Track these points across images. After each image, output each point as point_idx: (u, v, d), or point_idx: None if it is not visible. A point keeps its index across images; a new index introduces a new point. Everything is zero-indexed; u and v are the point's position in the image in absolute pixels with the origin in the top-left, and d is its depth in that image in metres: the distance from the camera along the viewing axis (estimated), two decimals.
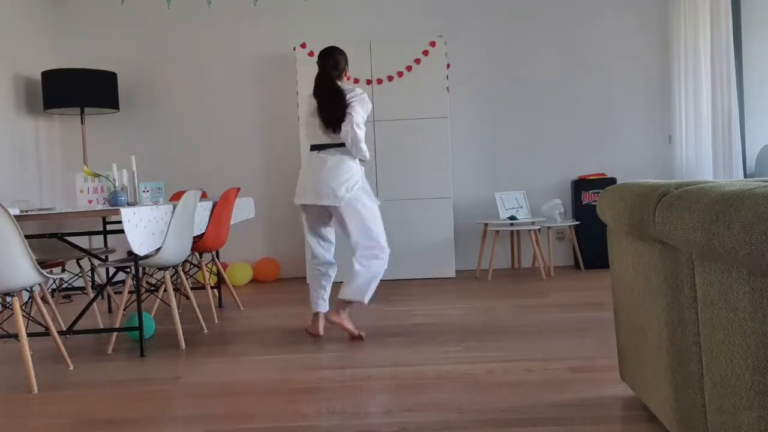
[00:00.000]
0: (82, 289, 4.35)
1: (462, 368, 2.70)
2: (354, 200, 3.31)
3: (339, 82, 3.39)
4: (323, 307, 3.47)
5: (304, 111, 3.54)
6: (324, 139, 3.36)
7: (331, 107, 3.29)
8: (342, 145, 3.34)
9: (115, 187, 3.43)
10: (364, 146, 3.34)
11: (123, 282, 3.96)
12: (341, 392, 2.45)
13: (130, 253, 3.23)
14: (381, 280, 5.18)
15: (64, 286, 4.55)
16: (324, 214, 3.44)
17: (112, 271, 5.40)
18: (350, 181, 3.32)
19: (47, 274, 2.75)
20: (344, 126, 3.28)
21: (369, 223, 3.34)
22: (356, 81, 5.29)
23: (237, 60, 5.79)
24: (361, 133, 3.31)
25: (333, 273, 3.55)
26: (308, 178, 3.35)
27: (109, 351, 3.29)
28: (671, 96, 5.55)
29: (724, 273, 1.29)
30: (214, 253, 4.57)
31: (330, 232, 3.53)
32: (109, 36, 5.81)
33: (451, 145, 5.40)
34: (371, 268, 3.33)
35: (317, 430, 2.07)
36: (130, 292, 3.44)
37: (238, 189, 4.22)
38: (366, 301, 3.36)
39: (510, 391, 2.37)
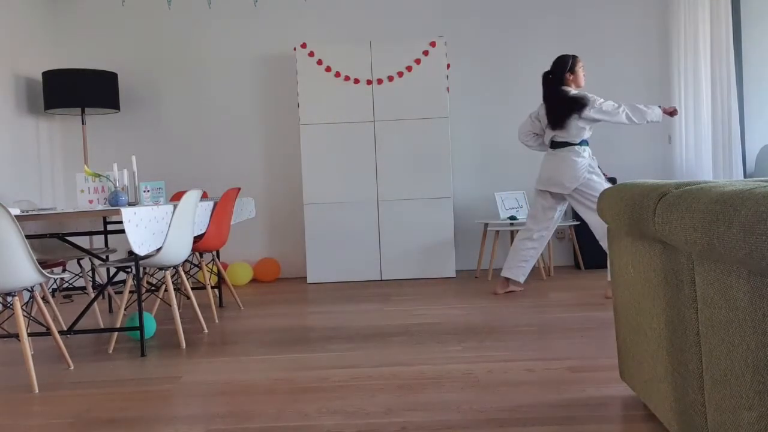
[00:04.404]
0: (83, 288, 4.36)
1: (462, 368, 2.70)
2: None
3: (564, 87, 4.20)
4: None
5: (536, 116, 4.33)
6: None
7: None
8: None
9: (115, 187, 3.43)
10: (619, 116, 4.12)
11: (124, 282, 3.97)
12: (341, 392, 2.46)
13: (131, 253, 3.24)
14: (380, 280, 5.32)
15: (64, 286, 4.56)
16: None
17: (112, 270, 5.41)
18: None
19: (48, 274, 2.76)
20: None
21: None
22: (356, 81, 5.30)
23: (237, 60, 5.80)
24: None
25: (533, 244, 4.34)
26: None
27: (110, 351, 3.30)
28: (671, 96, 5.56)
29: (723, 272, 1.30)
30: (214, 252, 4.57)
31: None
32: (109, 36, 5.81)
33: (451, 145, 5.40)
34: None
35: (317, 430, 2.08)
36: (130, 291, 3.44)
37: (239, 189, 4.23)
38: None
39: (510, 391, 2.37)
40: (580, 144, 4.18)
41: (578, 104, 4.08)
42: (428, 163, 5.31)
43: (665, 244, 1.63)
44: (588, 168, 4.14)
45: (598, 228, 4.11)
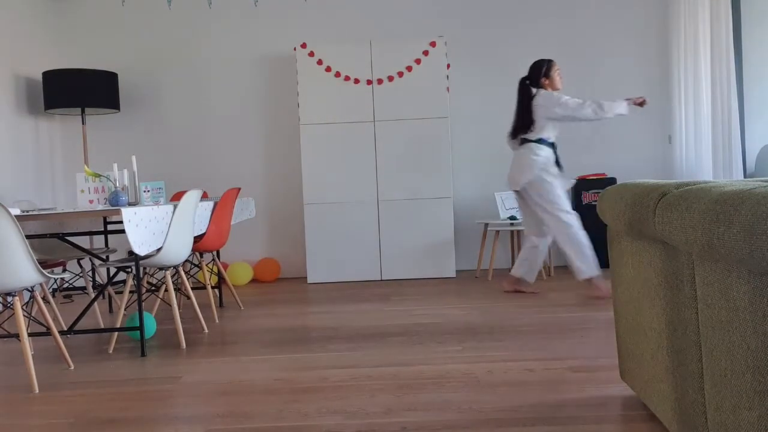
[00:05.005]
0: (83, 288, 4.36)
1: (462, 368, 2.70)
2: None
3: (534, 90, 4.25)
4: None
5: None
6: None
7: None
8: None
9: (115, 187, 3.43)
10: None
11: (124, 282, 3.97)
12: (341, 392, 2.46)
13: (131, 252, 3.24)
14: (380, 280, 5.30)
15: (65, 286, 4.56)
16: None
17: (113, 270, 5.41)
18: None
19: (48, 274, 2.76)
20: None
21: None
22: (356, 81, 5.30)
23: (237, 60, 5.80)
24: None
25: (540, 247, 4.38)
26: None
27: (110, 351, 3.30)
28: (671, 96, 5.56)
29: (724, 273, 1.30)
30: (214, 252, 4.57)
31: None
32: (110, 36, 5.81)
33: (451, 145, 5.40)
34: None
35: (317, 430, 2.08)
36: (130, 291, 3.44)
37: (239, 189, 4.23)
38: None
39: (510, 391, 2.38)
40: (538, 141, 4.23)
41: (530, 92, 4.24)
42: (428, 163, 5.31)
43: (665, 244, 1.63)
44: (541, 166, 4.19)
45: (553, 228, 4.19)
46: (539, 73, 4.28)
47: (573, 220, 4.15)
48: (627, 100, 4.12)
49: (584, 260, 4.10)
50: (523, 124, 4.26)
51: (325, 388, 2.52)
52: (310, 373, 2.73)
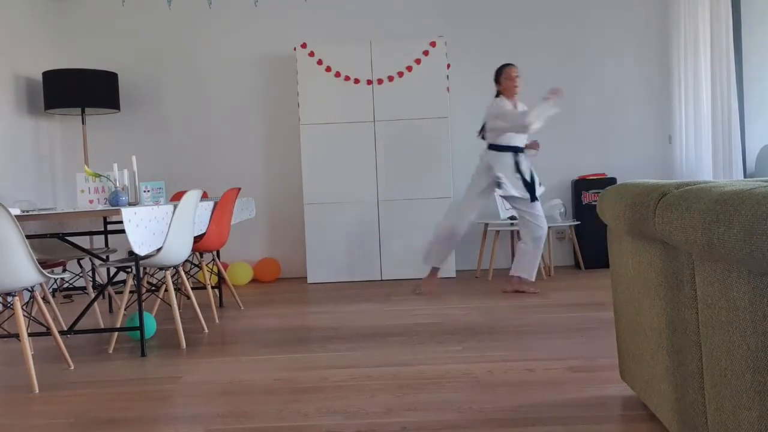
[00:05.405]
0: (83, 289, 4.36)
1: (462, 368, 2.70)
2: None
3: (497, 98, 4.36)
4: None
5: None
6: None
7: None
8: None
9: (115, 187, 3.43)
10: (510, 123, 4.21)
11: (124, 282, 3.97)
12: (341, 392, 2.46)
13: (131, 252, 3.24)
14: (380, 280, 5.30)
15: (65, 286, 4.56)
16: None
17: (113, 270, 5.41)
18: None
19: (48, 274, 2.76)
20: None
21: None
22: (356, 81, 5.30)
23: (237, 60, 5.80)
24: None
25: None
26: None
27: (110, 351, 3.30)
28: (671, 96, 5.56)
29: (724, 272, 1.30)
30: (214, 252, 4.57)
31: None
32: (110, 36, 5.81)
33: (451, 145, 5.40)
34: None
35: (317, 430, 2.08)
36: (130, 291, 3.44)
37: (239, 189, 4.23)
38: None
39: (510, 391, 2.37)
40: (489, 147, 4.40)
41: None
42: (428, 163, 5.31)
43: (665, 244, 1.63)
44: (479, 169, 4.42)
45: (448, 210, 4.53)
46: (495, 80, 4.41)
47: (459, 217, 4.35)
48: (545, 99, 4.13)
49: (435, 251, 4.43)
50: (481, 127, 4.48)
51: (325, 388, 2.52)
52: (310, 373, 2.73)
